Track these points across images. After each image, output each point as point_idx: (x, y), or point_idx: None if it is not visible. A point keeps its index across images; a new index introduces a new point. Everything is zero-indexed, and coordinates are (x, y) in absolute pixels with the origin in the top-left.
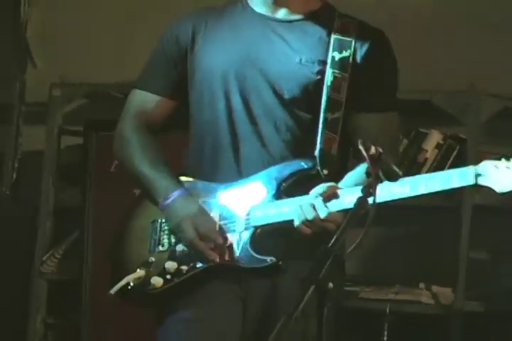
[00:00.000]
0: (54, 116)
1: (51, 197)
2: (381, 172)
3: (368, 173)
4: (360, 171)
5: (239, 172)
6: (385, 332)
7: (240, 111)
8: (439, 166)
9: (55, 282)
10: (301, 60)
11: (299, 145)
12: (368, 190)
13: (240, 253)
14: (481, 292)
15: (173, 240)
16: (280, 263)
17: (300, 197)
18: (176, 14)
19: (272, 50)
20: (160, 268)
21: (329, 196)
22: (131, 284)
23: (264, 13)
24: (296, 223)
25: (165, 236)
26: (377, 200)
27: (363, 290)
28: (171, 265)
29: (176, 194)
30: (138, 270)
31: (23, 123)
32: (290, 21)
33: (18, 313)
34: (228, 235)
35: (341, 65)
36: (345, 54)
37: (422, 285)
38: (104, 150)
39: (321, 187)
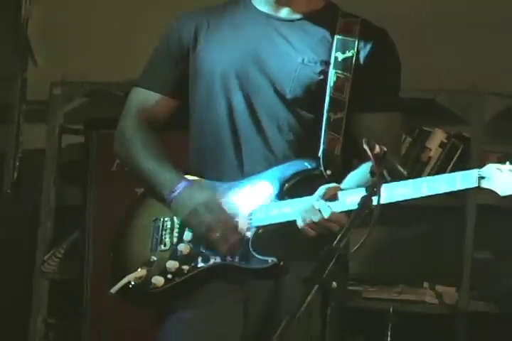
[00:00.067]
0: (55, 114)
1: (52, 195)
2: (386, 171)
3: (372, 172)
4: (362, 171)
5: (241, 173)
6: (389, 332)
7: (241, 111)
8: (442, 165)
9: (56, 282)
10: (303, 60)
11: (302, 145)
12: (373, 189)
13: (241, 254)
14: (485, 292)
15: (174, 239)
16: (282, 263)
17: (303, 198)
18: (176, 14)
19: (275, 49)
20: (161, 268)
21: (330, 198)
22: (132, 283)
23: (267, 12)
24: (301, 225)
25: (167, 236)
26: (381, 201)
27: (367, 289)
28: (172, 264)
29: (181, 185)
30: (139, 269)
31: (24, 122)
32: (293, 20)
33: (19, 313)
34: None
35: (344, 65)
36: (348, 54)
37: (426, 284)
38: (105, 149)
39: (323, 189)
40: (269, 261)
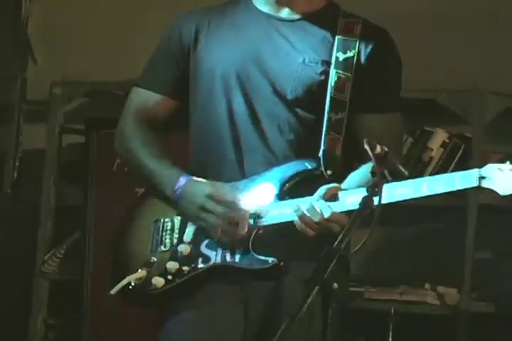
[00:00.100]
0: (55, 114)
1: (52, 196)
2: (387, 171)
3: (373, 172)
4: (363, 171)
5: (241, 173)
6: (390, 333)
7: (242, 111)
8: (444, 165)
9: (56, 282)
10: (304, 60)
11: (303, 145)
12: (374, 189)
13: (241, 255)
14: (486, 292)
15: (175, 240)
16: (282, 264)
17: (303, 198)
18: (176, 14)
19: (275, 50)
20: (161, 269)
21: (330, 198)
22: (132, 284)
23: (267, 12)
24: (299, 225)
25: (167, 236)
26: (382, 201)
27: (368, 290)
28: (172, 265)
29: (182, 181)
30: (139, 270)
31: (24, 122)
32: (294, 20)
33: (19, 313)
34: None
35: (345, 65)
36: (349, 54)
37: (427, 285)
38: (105, 149)
39: (324, 189)
40: (270, 261)
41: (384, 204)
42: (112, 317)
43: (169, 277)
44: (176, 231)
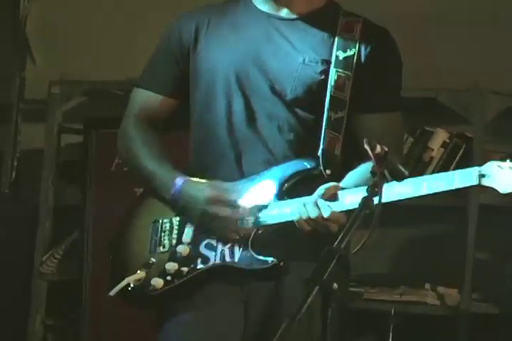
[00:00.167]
0: (53, 113)
1: (51, 196)
2: (387, 171)
3: (373, 172)
4: (361, 170)
5: (241, 173)
6: (391, 334)
7: (241, 111)
8: (445, 165)
9: (55, 282)
10: (304, 59)
11: (302, 145)
12: (374, 189)
13: (241, 255)
14: (487, 293)
15: (173, 241)
16: (282, 264)
17: (302, 198)
18: (176, 14)
19: (275, 50)
20: (160, 269)
21: (329, 198)
22: (132, 285)
23: (267, 11)
24: (296, 219)
25: (166, 237)
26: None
27: (368, 291)
28: (171, 266)
29: (179, 183)
30: (138, 271)
31: (22, 121)
32: (294, 20)
33: (17, 314)
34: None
35: (345, 64)
36: (349, 53)
37: (427, 286)
38: (104, 149)
39: (322, 189)
40: (269, 261)
41: (384, 203)
42: (111, 318)
43: (168, 278)
44: (175, 231)
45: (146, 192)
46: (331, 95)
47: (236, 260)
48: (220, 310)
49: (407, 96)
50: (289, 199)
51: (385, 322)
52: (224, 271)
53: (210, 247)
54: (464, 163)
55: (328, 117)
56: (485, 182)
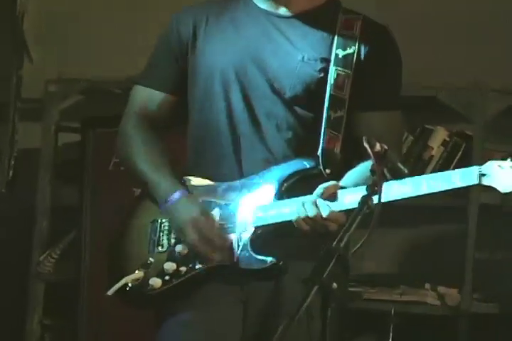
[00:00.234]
0: (50, 112)
1: (48, 195)
2: (386, 169)
3: (372, 171)
4: (361, 169)
5: (240, 172)
6: (391, 334)
7: (240, 109)
8: (445, 164)
9: (52, 282)
10: (303, 57)
11: (301, 144)
12: (373, 188)
13: (240, 255)
14: (487, 293)
15: (172, 241)
16: (281, 264)
17: (301, 197)
18: (175, 12)
19: (274, 48)
20: (159, 269)
21: (328, 197)
22: (130, 285)
23: (266, 9)
24: (295, 219)
25: (164, 237)
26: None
27: (368, 291)
28: (169, 266)
29: (175, 196)
30: (136, 271)
31: (19, 120)
32: (293, 17)
33: (14, 314)
34: (228, 236)
35: (345, 62)
36: (349, 51)
37: (427, 285)
38: (102, 148)
39: (321, 188)
40: (268, 261)
41: (384, 202)
42: (108, 317)
43: (167, 278)
44: (173, 231)
45: (144, 193)
46: (330, 94)
47: (235, 260)
48: (219, 310)
49: (406, 95)
50: (288, 199)
51: (385, 322)
52: (223, 270)
53: None
54: (464, 162)
55: (328, 116)
56: (485, 181)
